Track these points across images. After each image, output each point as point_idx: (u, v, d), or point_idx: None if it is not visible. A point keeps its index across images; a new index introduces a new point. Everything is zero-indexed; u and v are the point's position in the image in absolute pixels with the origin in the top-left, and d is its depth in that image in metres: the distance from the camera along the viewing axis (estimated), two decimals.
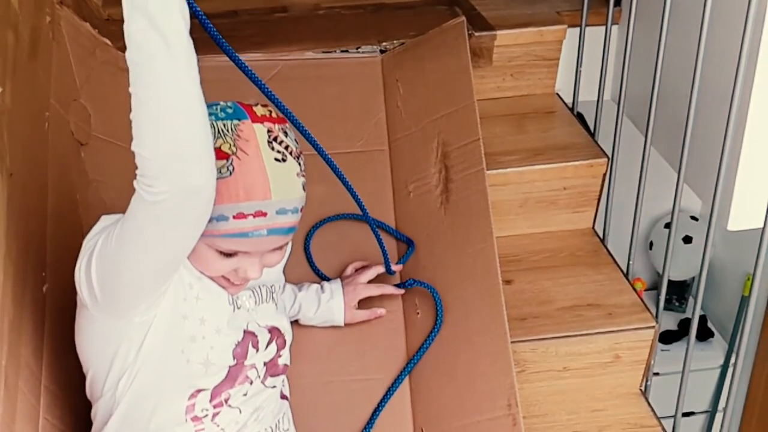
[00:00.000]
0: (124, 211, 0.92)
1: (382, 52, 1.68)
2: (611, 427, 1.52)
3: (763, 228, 1.36)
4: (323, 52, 1.66)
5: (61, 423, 1.11)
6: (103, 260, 0.94)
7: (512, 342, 1.30)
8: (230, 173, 0.94)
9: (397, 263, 1.43)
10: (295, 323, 1.31)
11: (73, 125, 1.35)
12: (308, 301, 1.34)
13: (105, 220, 1.01)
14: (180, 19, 0.84)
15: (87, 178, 1.34)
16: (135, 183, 0.87)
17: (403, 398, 1.34)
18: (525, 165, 1.65)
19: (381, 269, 1.40)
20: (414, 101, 1.59)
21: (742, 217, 1.46)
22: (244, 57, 1.62)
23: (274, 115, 1.00)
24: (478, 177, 1.43)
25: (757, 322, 2.33)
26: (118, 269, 0.94)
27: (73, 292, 1.00)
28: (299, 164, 1.00)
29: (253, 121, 0.97)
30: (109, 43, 1.52)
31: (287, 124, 1.02)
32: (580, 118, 1.86)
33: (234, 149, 0.94)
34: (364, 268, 1.40)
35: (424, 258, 1.45)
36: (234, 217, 0.95)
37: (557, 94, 1.87)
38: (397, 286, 1.40)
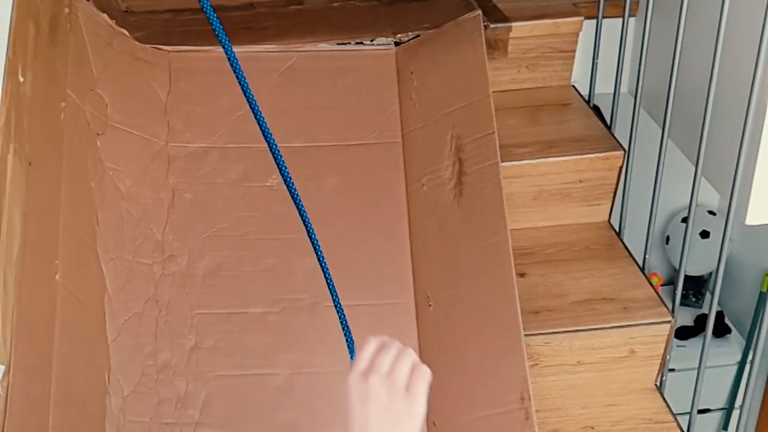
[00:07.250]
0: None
1: (396, 44, 1.68)
2: (625, 422, 1.51)
3: None
4: (338, 44, 1.66)
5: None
6: None
7: (525, 335, 1.29)
8: None
9: None
10: None
11: (89, 115, 1.36)
12: None
13: None
14: None
15: (103, 167, 1.35)
16: None
17: None
18: (539, 157, 1.64)
19: None
20: (428, 94, 1.58)
21: (761, 211, 1.44)
22: (259, 48, 1.64)
23: None
24: (492, 170, 1.42)
25: None
26: None
27: (85, 283, 1.00)
28: None
29: None
30: (126, 33, 1.52)
31: None
32: (597, 110, 1.84)
33: None
34: None
35: (437, 251, 1.44)
36: None
37: (573, 86, 1.86)
38: None
